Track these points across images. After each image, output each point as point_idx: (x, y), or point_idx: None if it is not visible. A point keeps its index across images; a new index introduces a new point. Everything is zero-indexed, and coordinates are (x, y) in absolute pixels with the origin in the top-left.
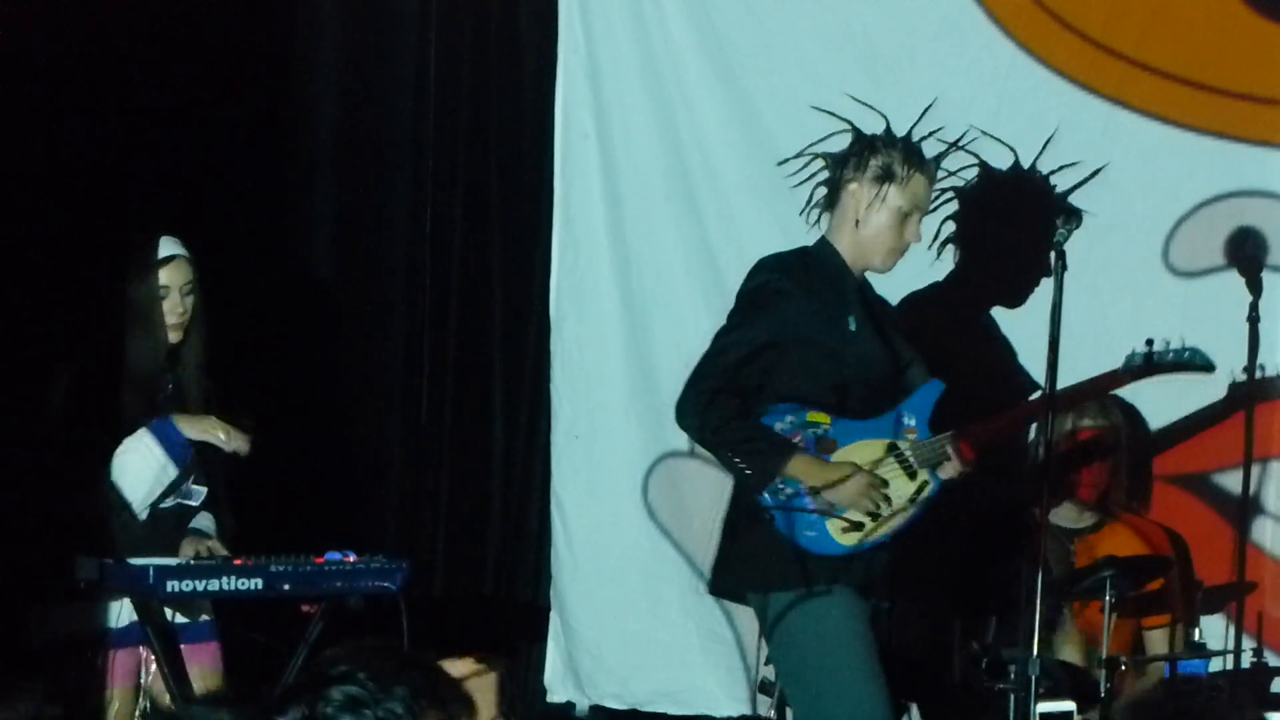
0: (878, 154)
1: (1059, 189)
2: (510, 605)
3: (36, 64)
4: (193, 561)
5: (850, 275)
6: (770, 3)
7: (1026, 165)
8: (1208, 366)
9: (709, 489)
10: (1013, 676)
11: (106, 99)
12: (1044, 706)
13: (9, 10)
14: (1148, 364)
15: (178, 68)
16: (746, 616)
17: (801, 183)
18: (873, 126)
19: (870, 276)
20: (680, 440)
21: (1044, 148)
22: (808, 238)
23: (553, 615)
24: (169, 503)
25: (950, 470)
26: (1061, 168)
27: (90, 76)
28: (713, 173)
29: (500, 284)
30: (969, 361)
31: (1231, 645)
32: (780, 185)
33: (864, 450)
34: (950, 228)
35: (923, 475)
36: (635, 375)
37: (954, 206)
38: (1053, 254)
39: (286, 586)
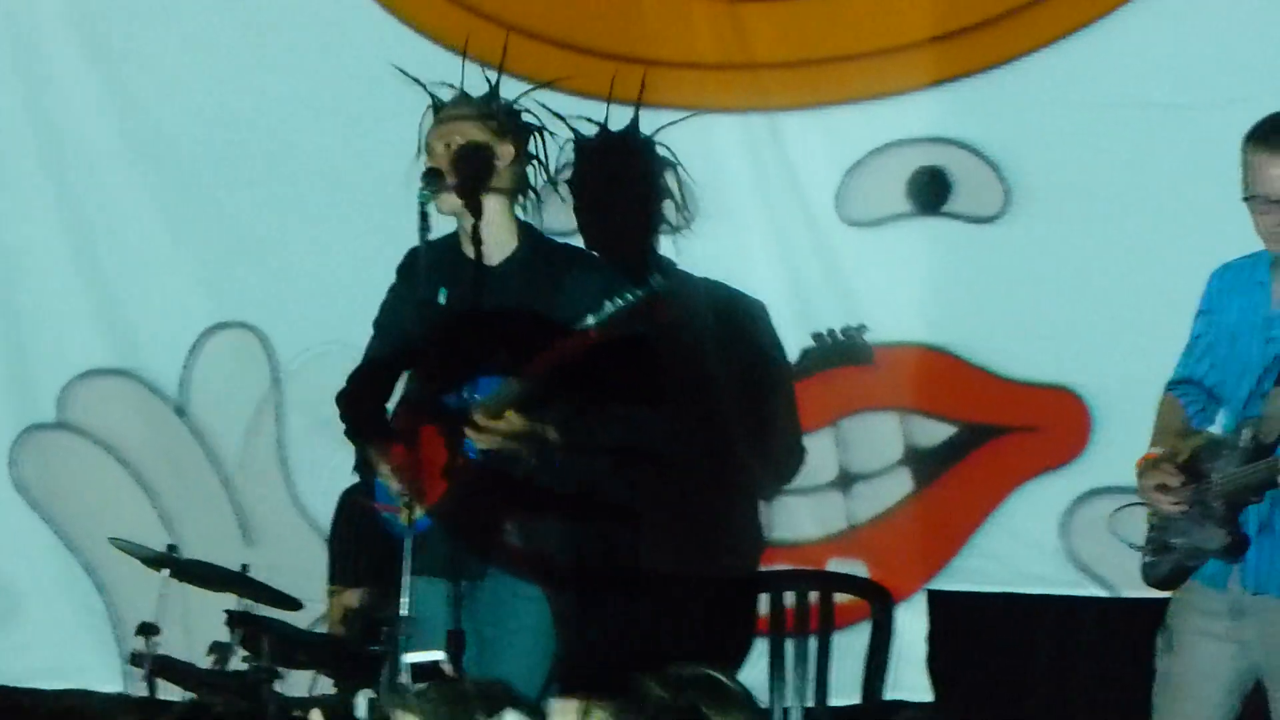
0: None
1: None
2: None
3: None
4: None
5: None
6: None
7: None
8: None
9: (78, 461)
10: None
11: None
12: (412, 657)
13: None
14: None
15: None
16: (119, 591)
17: None
18: None
19: None
20: (47, 412)
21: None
22: (176, 211)
23: None
24: None
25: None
26: None
27: None
28: (82, 145)
29: None
30: None
31: None
32: (153, 158)
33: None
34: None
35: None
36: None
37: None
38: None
39: None
